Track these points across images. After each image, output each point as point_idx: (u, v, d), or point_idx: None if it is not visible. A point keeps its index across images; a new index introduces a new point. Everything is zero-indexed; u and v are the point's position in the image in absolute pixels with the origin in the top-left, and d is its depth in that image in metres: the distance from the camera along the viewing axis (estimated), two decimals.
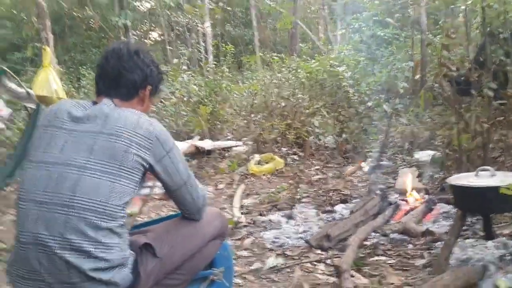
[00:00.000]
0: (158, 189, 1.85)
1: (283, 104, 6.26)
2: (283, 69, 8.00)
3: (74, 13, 15.30)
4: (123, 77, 1.64)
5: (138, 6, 16.86)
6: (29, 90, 5.28)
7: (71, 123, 1.55)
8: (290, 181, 4.75)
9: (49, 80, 3.65)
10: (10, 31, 15.34)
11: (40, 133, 1.58)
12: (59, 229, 1.42)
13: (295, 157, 5.38)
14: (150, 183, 1.87)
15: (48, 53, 3.71)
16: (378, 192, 4.12)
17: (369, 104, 6.39)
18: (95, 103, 1.64)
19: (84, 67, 12.21)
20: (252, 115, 6.62)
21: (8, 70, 5.35)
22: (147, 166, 1.55)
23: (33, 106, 5.32)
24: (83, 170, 1.45)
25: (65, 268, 1.42)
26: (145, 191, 1.93)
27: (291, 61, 8.61)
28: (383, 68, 8.39)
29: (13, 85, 5.42)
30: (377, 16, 10.70)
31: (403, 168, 5.03)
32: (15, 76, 5.52)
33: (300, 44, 11.88)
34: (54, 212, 1.44)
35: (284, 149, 5.59)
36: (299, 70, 7.30)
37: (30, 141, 4.68)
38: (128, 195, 1.51)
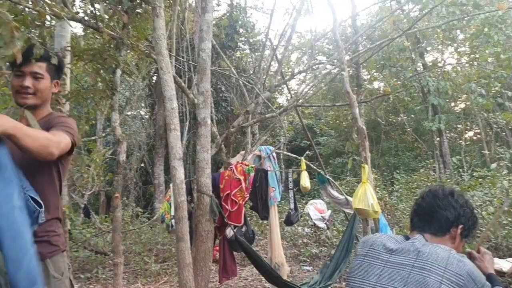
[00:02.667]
0: None
1: None
2: None
3: (390, 120, 16.49)
4: (437, 213, 1.79)
5: (453, 108, 16.70)
6: (348, 197, 5.94)
7: (386, 255, 1.75)
8: None
9: (366, 194, 4.06)
10: (334, 139, 17.69)
11: (358, 262, 1.83)
12: None
13: None
14: None
15: (367, 171, 4.16)
16: None
17: None
18: (407, 238, 1.81)
19: (397, 171, 12.70)
20: None
21: (331, 180, 6.22)
22: None
23: (350, 211, 5.93)
24: None
25: None
26: None
27: None
28: None
29: (334, 192, 6.22)
30: None
31: None
32: (336, 184, 6.36)
33: None
34: None
35: None
36: None
37: (347, 244, 5.21)
38: None
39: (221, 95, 11.42)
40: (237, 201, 4.72)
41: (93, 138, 8.76)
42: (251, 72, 8.15)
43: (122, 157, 3.37)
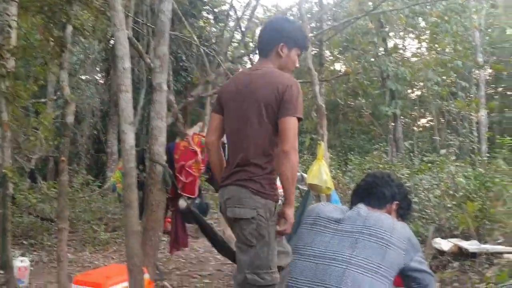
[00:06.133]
0: None
1: None
2: None
3: (348, 103, 16.71)
4: (375, 189, 1.99)
5: (409, 94, 17.11)
6: (303, 174, 5.97)
7: (334, 223, 1.80)
8: None
9: (320, 171, 4.08)
10: None
11: (305, 230, 1.85)
12: None
13: None
14: None
15: (322, 149, 4.17)
16: None
17: None
18: (350, 208, 1.94)
19: (352, 152, 12.94)
20: None
21: None
22: (401, 266, 1.72)
23: (304, 188, 5.97)
24: (347, 265, 1.66)
25: None
26: None
27: None
28: None
29: None
30: None
31: None
32: None
33: None
34: None
35: None
36: None
37: (299, 218, 5.25)
38: None
39: (181, 64, 11.13)
40: (192, 172, 4.62)
41: (43, 100, 8.35)
42: (214, 41, 7.97)
43: (70, 119, 3.19)
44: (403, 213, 2.00)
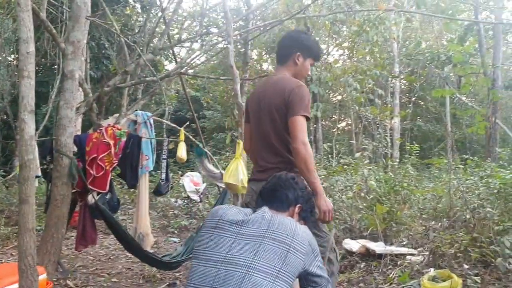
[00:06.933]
0: None
1: (468, 215, 5.59)
2: (474, 174, 7.25)
3: None
4: (278, 191, 1.98)
5: (331, 98, 17.75)
6: (223, 172, 5.94)
7: (237, 227, 1.77)
8: None
9: (238, 170, 4.05)
10: (220, 114, 17.68)
11: (208, 234, 1.79)
12: None
13: (477, 279, 4.65)
14: None
15: (240, 147, 4.14)
16: None
17: None
18: (254, 211, 1.89)
19: None
20: (433, 222, 6.07)
21: (209, 153, 6.17)
22: (301, 270, 1.72)
23: (223, 186, 5.94)
24: (247, 270, 1.62)
25: None
26: None
27: (484, 166, 7.80)
28: None
29: (210, 166, 6.18)
30: None
31: None
32: (213, 158, 6.32)
33: (498, 149, 10.59)
34: None
35: (465, 267, 4.90)
36: (490, 180, 6.47)
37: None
38: None
39: (103, 52, 10.64)
40: (103, 166, 4.40)
41: None
42: (137, 31, 7.67)
43: None
44: (305, 216, 2.02)
